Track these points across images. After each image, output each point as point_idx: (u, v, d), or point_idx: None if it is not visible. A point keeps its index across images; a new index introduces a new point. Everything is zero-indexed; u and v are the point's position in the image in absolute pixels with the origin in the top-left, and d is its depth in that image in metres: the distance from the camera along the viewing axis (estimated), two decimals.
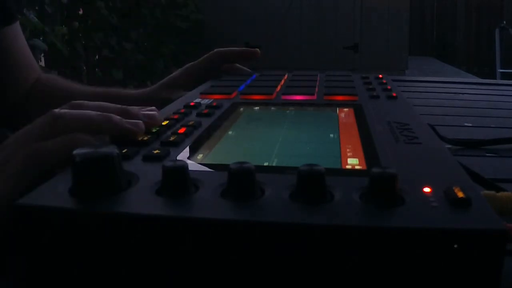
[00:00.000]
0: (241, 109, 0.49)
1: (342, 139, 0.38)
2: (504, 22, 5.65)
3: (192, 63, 0.69)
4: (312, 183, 0.26)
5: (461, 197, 0.25)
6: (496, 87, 1.20)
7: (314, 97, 0.54)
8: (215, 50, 0.70)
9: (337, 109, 0.49)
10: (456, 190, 0.26)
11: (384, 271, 0.24)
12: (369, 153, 0.34)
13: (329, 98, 0.53)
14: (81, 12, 2.79)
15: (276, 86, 0.58)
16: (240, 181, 0.26)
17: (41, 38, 2.05)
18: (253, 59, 0.70)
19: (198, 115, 0.45)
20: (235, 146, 0.39)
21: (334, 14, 4.59)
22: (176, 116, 0.43)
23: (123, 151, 0.32)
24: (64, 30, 2.37)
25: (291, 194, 0.26)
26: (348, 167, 0.32)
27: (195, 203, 0.26)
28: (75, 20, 2.69)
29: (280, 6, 4.56)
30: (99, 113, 0.36)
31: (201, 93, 0.54)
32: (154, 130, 0.38)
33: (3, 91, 0.68)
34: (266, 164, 0.33)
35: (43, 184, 0.28)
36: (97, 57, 3.06)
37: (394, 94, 0.54)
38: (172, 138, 0.36)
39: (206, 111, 0.46)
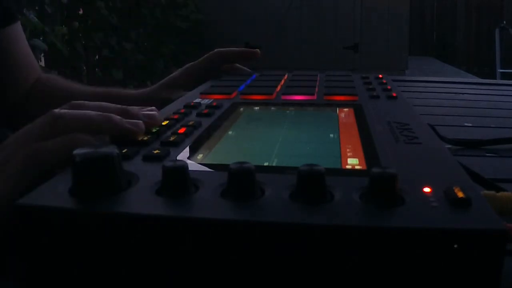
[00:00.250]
0: (241, 109, 0.49)
1: (342, 139, 0.38)
2: (504, 22, 5.65)
3: (192, 63, 0.69)
4: (312, 183, 0.26)
5: (461, 197, 0.25)
6: (496, 87, 1.20)
7: (314, 97, 0.54)
8: (215, 50, 0.70)
9: (337, 109, 0.49)
10: (456, 190, 0.26)
11: (384, 271, 0.24)
12: (369, 153, 0.34)
13: (329, 98, 0.53)
14: (81, 12, 2.79)
15: (276, 86, 0.58)
16: (240, 181, 0.26)
17: (41, 38, 2.05)
18: (253, 59, 0.70)
19: (198, 115, 0.45)
20: (235, 146, 0.39)
21: (334, 14, 4.59)
22: (176, 116, 0.43)
23: (123, 151, 0.32)
24: (64, 30, 2.37)
25: (291, 194, 0.26)
26: (348, 167, 0.32)
27: (195, 203, 0.26)
28: (75, 20, 2.69)
29: (280, 6, 4.56)
30: (99, 113, 0.36)
31: (201, 93, 0.54)
32: (154, 130, 0.38)
33: (3, 91, 0.68)
34: (266, 164, 0.33)
35: (43, 184, 0.28)
36: (97, 57, 3.06)
37: (394, 94, 0.54)
38: (172, 138, 0.36)
39: (206, 111, 0.46)
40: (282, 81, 0.63)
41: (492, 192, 0.34)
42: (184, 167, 0.27)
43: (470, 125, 0.76)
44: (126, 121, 0.36)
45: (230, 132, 0.41)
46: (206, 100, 0.51)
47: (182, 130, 0.38)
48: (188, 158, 0.33)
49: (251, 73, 0.70)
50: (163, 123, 0.40)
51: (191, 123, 0.41)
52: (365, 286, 0.24)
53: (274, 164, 0.33)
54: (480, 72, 6.04)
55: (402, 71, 4.49)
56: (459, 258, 0.23)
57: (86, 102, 0.37)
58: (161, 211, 0.26)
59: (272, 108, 0.51)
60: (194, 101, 0.50)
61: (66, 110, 0.35)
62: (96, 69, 3.04)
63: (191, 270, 0.25)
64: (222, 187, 0.27)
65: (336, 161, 0.33)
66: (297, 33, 4.59)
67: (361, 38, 4.62)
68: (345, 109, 0.49)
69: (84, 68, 2.88)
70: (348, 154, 0.35)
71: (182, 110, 0.45)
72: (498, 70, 5.01)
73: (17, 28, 0.68)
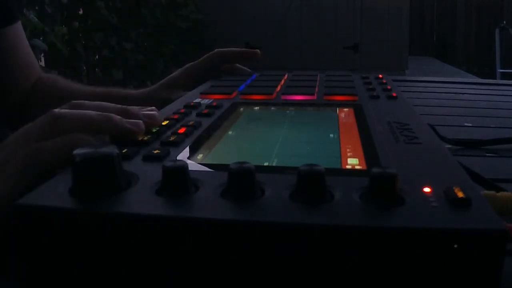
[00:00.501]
0: (241, 109, 0.49)
1: (342, 139, 0.38)
2: (504, 22, 5.65)
3: (192, 63, 0.69)
4: (312, 183, 0.26)
5: (461, 197, 0.25)
6: (496, 87, 1.20)
7: (314, 97, 0.54)
8: (215, 50, 0.70)
9: (337, 109, 0.49)
10: (456, 190, 0.26)
11: (384, 271, 0.24)
12: (369, 153, 0.34)
13: (329, 98, 0.53)
14: (81, 12, 2.79)
15: (276, 86, 0.58)
16: (240, 181, 0.26)
17: (41, 38, 2.05)
18: (253, 60, 0.70)
19: (198, 115, 0.45)
20: (235, 146, 0.39)
21: (334, 14, 4.59)
22: (176, 116, 0.43)
23: (123, 151, 0.32)
24: (64, 30, 2.37)
25: (291, 194, 0.26)
26: (348, 167, 0.32)
27: (195, 203, 0.26)
28: (75, 20, 2.69)
29: (280, 6, 4.56)
30: (99, 113, 0.36)
31: (201, 93, 0.54)
32: (154, 130, 0.38)
33: (3, 91, 0.68)
34: (266, 164, 0.33)
35: (43, 184, 0.28)
36: (97, 57, 3.06)
37: (394, 94, 0.54)
38: (172, 138, 0.36)
39: (206, 111, 0.46)
40: (282, 81, 0.63)
41: (492, 192, 0.34)
42: (184, 167, 0.27)
43: (470, 125, 0.76)
44: (126, 121, 0.36)
45: (230, 132, 0.41)
46: (206, 100, 0.51)
47: (182, 130, 0.38)
48: (188, 158, 0.33)
49: (251, 73, 0.70)
50: (163, 123, 0.40)
51: (191, 123, 0.41)
52: (365, 286, 0.24)
53: (274, 164, 0.33)
54: (480, 72, 6.04)
55: (402, 71, 4.49)
56: (459, 258, 0.23)
57: (86, 102, 0.37)
58: (161, 211, 0.26)
59: (272, 108, 0.51)
60: (194, 101, 0.50)
61: (66, 110, 0.35)
62: (96, 69, 3.04)
63: (191, 270, 0.25)
64: (222, 187, 0.27)
65: (336, 161, 0.33)
66: (297, 33, 4.59)
67: (361, 38, 4.62)
68: (345, 109, 0.49)
69: (84, 68, 2.88)
70: (348, 154, 0.35)
71: (182, 110, 0.45)
72: (498, 70, 5.01)
73: (18, 28, 0.68)
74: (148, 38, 3.52)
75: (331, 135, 0.40)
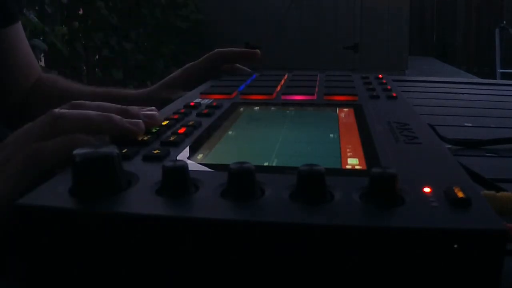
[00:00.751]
0: (241, 109, 0.49)
1: (342, 139, 0.38)
2: (504, 22, 5.64)
3: (192, 63, 0.69)
4: (312, 183, 0.26)
5: (461, 197, 0.25)
6: (496, 87, 1.20)
7: (314, 97, 0.54)
8: (216, 50, 0.70)
9: (337, 109, 0.49)
10: (456, 190, 0.26)
11: (384, 271, 0.24)
12: (369, 153, 0.34)
13: (329, 98, 0.53)
14: (81, 12, 2.79)
15: (276, 86, 0.58)
16: (240, 181, 0.26)
17: (41, 38, 2.05)
18: (253, 60, 0.70)
19: (198, 115, 0.45)
20: (235, 146, 0.39)
21: (334, 14, 4.59)
22: (176, 116, 0.43)
23: (123, 151, 0.32)
24: (64, 30, 2.37)
25: (291, 194, 0.26)
26: (348, 167, 0.32)
27: (195, 203, 0.26)
28: (75, 20, 2.69)
29: (280, 6, 4.56)
30: (99, 113, 0.36)
31: (201, 93, 0.54)
32: (154, 130, 0.38)
33: (3, 91, 0.68)
34: (266, 164, 0.33)
35: (43, 184, 0.28)
36: (97, 57, 3.06)
37: (394, 94, 0.54)
38: (172, 138, 0.36)
39: (206, 111, 0.46)
40: (282, 81, 0.63)
41: (492, 192, 0.34)
42: (184, 167, 0.27)
43: (470, 125, 0.76)
44: (126, 121, 0.36)
45: (230, 132, 0.41)
46: (206, 100, 0.51)
47: (182, 130, 0.38)
48: (188, 158, 0.33)
49: (251, 73, 0.70)
50: (163, 123, 0.40)
51: (191, 123, 0.41)
52: (365, 286, 0.24)
53: (274, 164, 0.33)
54: (480, 72, 6.03)
55: (402, 71, 4.49)
56: (459, 258, 0.23)
57: (86, 102, 0.37)
58: (161, 211, 0.26)
59: (272, 108, 0.51)
60: (194, 101, 0.50)
61: (66, 110, 0.35)
62: (96, 69, 3.04)
63: (191, 270, 0.25)
64: (222, 187, 0.27)
65: (336, 161, 0.33)
66: (297, 33, 4.59)
67: (361, 38, 4.62)
68: (345, 109, 0.49)
69: (84, 68, 2.88)
70: (348, 154, 0.35)
71: (182, 110, 0.45)
72: (498, 70, 5.00)
73: (18, 28, 0.68)
74: (148, 38, 3.52)
75: (331, 135, 0.40)
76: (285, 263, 0.24)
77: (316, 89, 0.57)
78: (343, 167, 0.32)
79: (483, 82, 1.43)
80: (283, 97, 0.54)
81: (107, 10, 2.90)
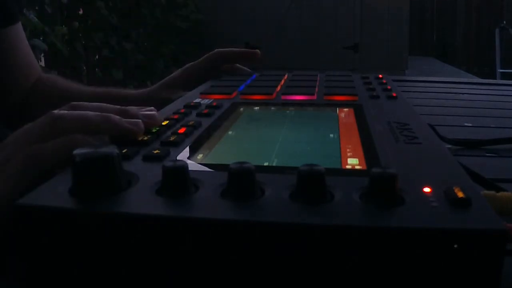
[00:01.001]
0: (241, 109, 0.49)
1: (342, 139, 0.38)
2: (504, 22, 5.65)
3: (192, 63, 0.69)
4: (312, 183, 0.26)
5: (461, 197, 0.25)
6: (496, 87, 1.20)
7: (314, 97, 0.54)
8: (216, 50, 0.70)
9: (337, 109, 0.49)
10: (456, 190, 0.26)
11: (384, 271, 0.24)
12: (369, 153, 0.34)
13: (329, 98, 0.53)
14: (81, 12, 2.79)
15: (276, 86, 0.58)
16: (240, 181, 0.26)
17: (41, 38, 2.05)
18: (253, 60, 0.70)
19: (198, 115, 0.45)
20: (235, 146, 0.39)
21: (334, 14, 4.59)
22: (176, 116, 0.43)
23: (123, 151, 0.32)
24: (64, 30, 2.37)
25: (291, 194, 0.26)
26: (348, 167, 0.32)
27: (195, 203, 0.26)
28: (75, 20, 2.69)
29: (280, 6, 4.56)
30: (98, 113, 0.36)
31: (201, 93, 0.54)
32: (154, 130, 0.38)
33: (3, 91, 0.68)
34: (266, 164, 0.33)
35: (43, 184, 0.28)
36: (97, 57, 3.06)
37: (394, 94, 0.54)
38: (172, 138, 0.36)
39: (206, 111, 0.46)
40: (282, 81, 0.63)
41: (492, 192, 0.34)
42: (184, 167, 0.27)
43: (470, 125, 0.76)
44: (125, 121, 0.36)
45: (230, 132, 0.41)
46: (206, 100, 0.51)
47: (182, 130, 0.38)
48: (188, 158, 0.33)
49: (251, 73, 0.70)
50: (163, 123, 0.40)
51: (191, 123, 0.41)
52: (365, 286, 0.24)
53: (274, 164, 0.33)
54: (480, 72, 6.03)
55: (402, 71, 4.49)
56: (459, 258, 0.23)
57: (85, 103, 0.37)
58: (161, 211, 0.26)
59: (272, 108, 0.51)
60: (194, 101, 0.50)
61: (65, 111, 0.35)
62: (96, 69, 3.04)
63: (191, 270, 0.25)
64: (222, 187, 0.27)
65: (336, 161, 0.33)
66: (297, 33, 4.59)
67: (361, 38, 4.62)
68: (345, 109, 0.49)
69: (84, 68, 2.88)
70: (348, 154, 0.35)
71: (182, 110, 0.45)
72: (498, 70, 5.00)
73: (18, 28, 0.68)
74: (148, 38, 3.52)
75: (331, 135, 0.40)
76: (285, 263, 0.24)
77: (316, 89, 0.57)
78: (343, 167, 0.32)
79: (483, 82, 1.43)
80: (283, 97, 0.54)
81: (107, 10, 2.90)
